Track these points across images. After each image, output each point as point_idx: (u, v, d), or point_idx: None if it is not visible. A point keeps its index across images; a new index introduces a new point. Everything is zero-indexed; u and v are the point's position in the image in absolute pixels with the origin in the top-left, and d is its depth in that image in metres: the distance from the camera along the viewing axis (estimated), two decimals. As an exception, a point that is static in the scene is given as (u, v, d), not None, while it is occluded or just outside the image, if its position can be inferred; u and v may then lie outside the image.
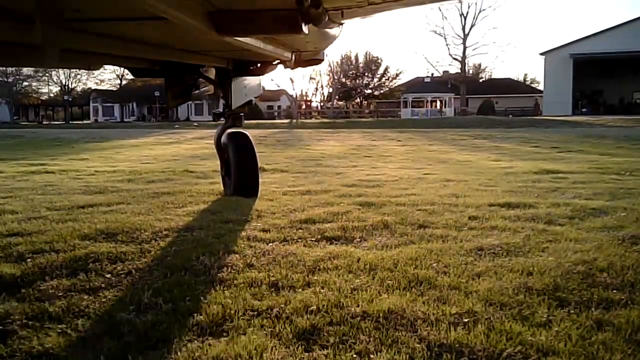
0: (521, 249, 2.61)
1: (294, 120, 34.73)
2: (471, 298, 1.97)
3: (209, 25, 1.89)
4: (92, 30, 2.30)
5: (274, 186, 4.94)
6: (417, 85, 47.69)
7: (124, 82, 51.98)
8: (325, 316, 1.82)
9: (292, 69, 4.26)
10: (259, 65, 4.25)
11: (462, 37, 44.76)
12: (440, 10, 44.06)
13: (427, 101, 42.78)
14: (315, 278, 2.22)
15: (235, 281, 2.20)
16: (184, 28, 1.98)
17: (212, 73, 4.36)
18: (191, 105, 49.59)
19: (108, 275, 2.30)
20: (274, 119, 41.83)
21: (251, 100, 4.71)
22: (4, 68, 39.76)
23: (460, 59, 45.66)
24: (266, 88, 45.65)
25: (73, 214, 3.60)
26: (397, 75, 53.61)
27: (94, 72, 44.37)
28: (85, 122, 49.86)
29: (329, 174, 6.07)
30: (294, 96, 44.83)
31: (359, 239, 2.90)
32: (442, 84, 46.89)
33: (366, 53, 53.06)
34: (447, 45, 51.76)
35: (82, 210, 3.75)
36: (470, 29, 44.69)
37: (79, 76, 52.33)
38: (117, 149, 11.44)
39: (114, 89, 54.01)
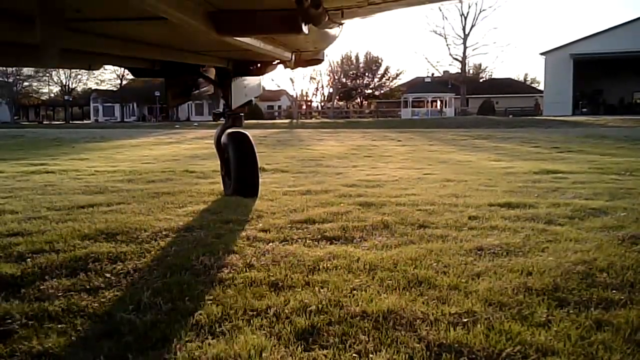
0: (521, 249, 2.62)
1: (294, 120, 34.75)
2: (471, 298, 1.97)
3: (209, 25, 1.89)
4: (92, 30, 2.31)
5: (274, 186, 4.94)
6: (418, 85, 47.72)
7: (124, 82, 51.97)
8: (324, 316, 1.82)
9: (292, 69, 4.26)
10: (259, 65, 4.25)
11: (463, 37, 44.82)
12: (440, 10, 44.25)
13: (428, 101, 42.81)
14: (315, 278, 2.22)
15: (235, 281, 2.20)
16: (184, 28, 1.98)
17: (212, 73, 4.35)
18: (191, 105, 49.68)
19: (108, 275, 2.30)
20: (274, 119, 41.82)
21: (251, 100, 4.71)
22: (4, 68, 39.78)
23: (460, 59, 45.72)
24: (266, 88, 45.75)
25: (73, 214, 3.60)
26: (397, 75, 53.82)
27: (94, 72, 44.43)
28: (85, 122, 49.93)
29: (329, 174, 6.07)
30: (294, 96, 44.88)
31: (358, 239, 2.90)
32: (442, 84, 46.92)
33: (366, 53, 53.33)
34: (447, 45, 51.74)
35: (82, 210, 3.75)
36: (471, 29, 44.84)
37: (79, 76, 52.53)
38: (118, 149, 11.44)
39: (114, 89, 53.99)
